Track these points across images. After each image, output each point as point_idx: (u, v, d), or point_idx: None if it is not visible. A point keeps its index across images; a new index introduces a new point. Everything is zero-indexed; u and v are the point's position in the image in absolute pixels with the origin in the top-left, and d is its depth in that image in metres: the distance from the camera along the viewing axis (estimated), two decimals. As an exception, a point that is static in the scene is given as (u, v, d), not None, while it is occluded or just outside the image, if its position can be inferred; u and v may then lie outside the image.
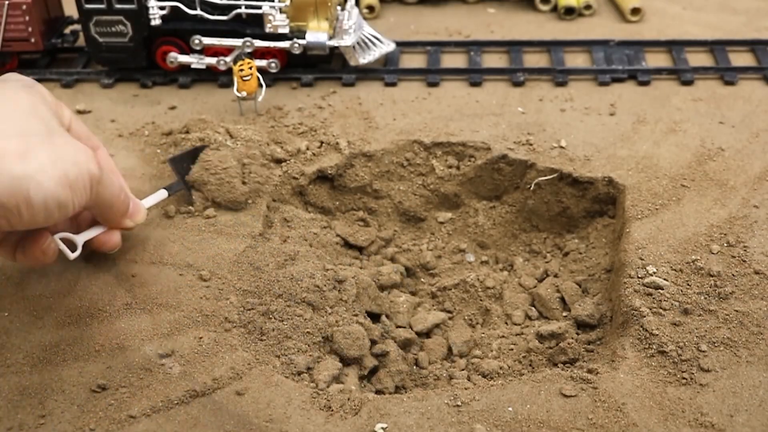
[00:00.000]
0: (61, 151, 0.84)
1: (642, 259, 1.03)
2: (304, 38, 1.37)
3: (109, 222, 0.98)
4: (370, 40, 1.43)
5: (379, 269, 1.15)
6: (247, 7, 1.35)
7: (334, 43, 1.38)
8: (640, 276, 1.01)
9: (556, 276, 1.17)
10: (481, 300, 1.16)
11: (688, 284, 1.00)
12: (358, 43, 1.41)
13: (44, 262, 0.94)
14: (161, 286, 1.02)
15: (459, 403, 0.88)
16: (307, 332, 0.97)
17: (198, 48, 1.37)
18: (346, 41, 1.38)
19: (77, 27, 1.50)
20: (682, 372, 0.90)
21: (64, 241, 0.95)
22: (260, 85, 1.31)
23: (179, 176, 1.14)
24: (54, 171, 0.82)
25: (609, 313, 1.04)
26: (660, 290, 0.99)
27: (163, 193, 1.10)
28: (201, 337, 0.95)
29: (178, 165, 1.14)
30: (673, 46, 1.48)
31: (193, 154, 1.15)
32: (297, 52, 1.37)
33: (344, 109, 1.34)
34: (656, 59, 1.46)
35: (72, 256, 0.95)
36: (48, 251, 0.93)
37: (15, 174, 0.80)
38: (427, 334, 1.11)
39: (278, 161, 1.20)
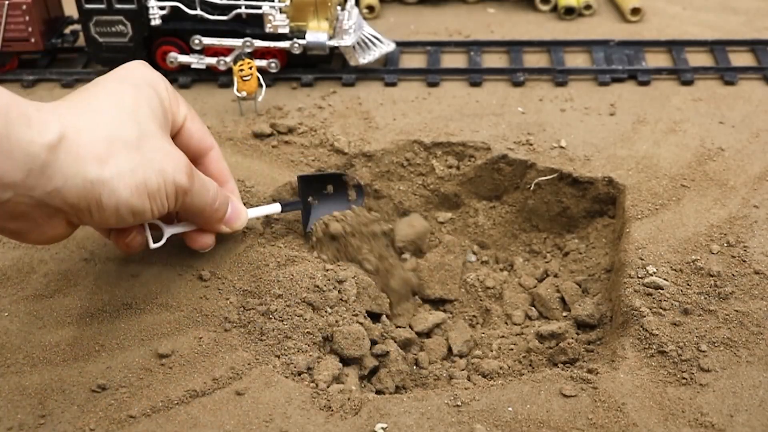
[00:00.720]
0: (147, 159, 0.83)
1: (642, 259, 1.03)
2: (304, 38, 1.37)
3: (201, 225, 0.98)
4: (370, 40, 1.43)
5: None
6: (247, 7, 1.35)
7: (334, 43, 1.38)
8: (640, 276, 1.01)
9: (556, 276, 1.17)
10: (481, 300, 1.16)
11: (688, 284, 1.00)
12: (358, 43, 1.41)
13: (129, 252, 0.96)
14: (161, 286, 1.02)
15: (459, 403, 0.88)
16: (307, 332, 0.97)
17: (198, 48, 1.37)
18: (346, 41, 1.38)
19: (77, 27, 1.50)
20: (682, 372, 0.90)
21: (153, 227, 0.95)
22: (260, 85, 1.31)
23: (301, 196, 1.09)
24: (131, 180, 0.81)
25: (609, 313, 1.04)
26: (660, 290, 0.99)
27: (275, 207, 1.06)
28: (201, 337, 0.95)
29: (304, 184, 1.10)
30: (673, 46, 1.48)
31: (325, 178, 1.12)
32: (297, 52, 1.37)
33: (344, 109, 1.34)
34: (656, 59, 1.46)
35: (153, 245, 0.94)
36: (132, 244, 0.93)
37: (89, 178, 0.79)
38: (427, 334, 1.11)
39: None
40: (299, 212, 1.11)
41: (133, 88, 0.87)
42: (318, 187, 1.11)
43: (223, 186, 1.00)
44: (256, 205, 1.08)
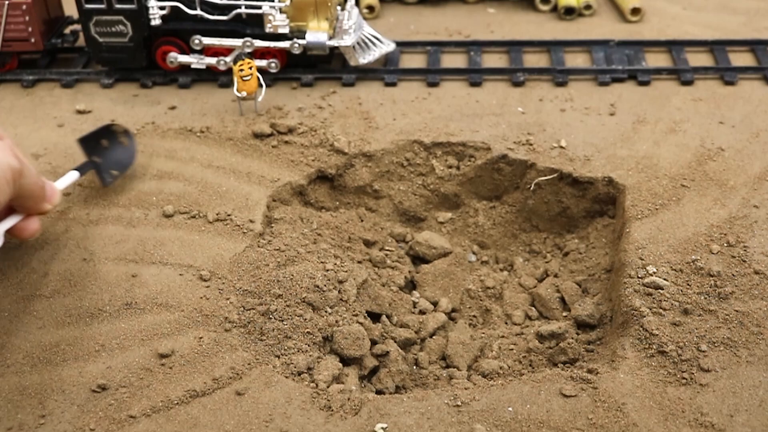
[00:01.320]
0: None
1: (642, 259, 1.03)
2: (304, 38, 1.37)
3: (28, 209, 0.99)
4: (370, 40, 1.43)
5: (390, 273, 1.16)
6: (247, 7, 1.35)
7: (334, 43, 1.38)
8: (640, 276, 1.01)
9: (556, 276, 1.17)
10: (481, 300, 1.16)
11: (688, 284, 1.00)
12: (358, 43, 1.41)
13: None
14: (161, 286, 1.02)
15: (459, 403, 0.88)
16: (307, 332, 0.97)
17: (198, 48, 1.37)
18: (346, 41, 1.38)
19: (77, 27, 1.50)
20: (682, 372, 0.90)
21: None
22: (260, 85, 1.31)
23: (88, 156, 1.15)
24: None
25: (609, 313, 1.04)
26: (660, 290, 0.99)
27: (74, 174, 1.12)
28: (201, 337, 0.95)
29: (86, 145, 1.16)
30: (673, 46, 1.48)
31: (100, 133, 1.18)
32: (297, 52, 1.37)
33: (344, 109, 1.34)
34: (656, 59, 1.46)
35: None
36: None
37: None
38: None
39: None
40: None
41: None
42: (95, 145, 1.17)
43: None
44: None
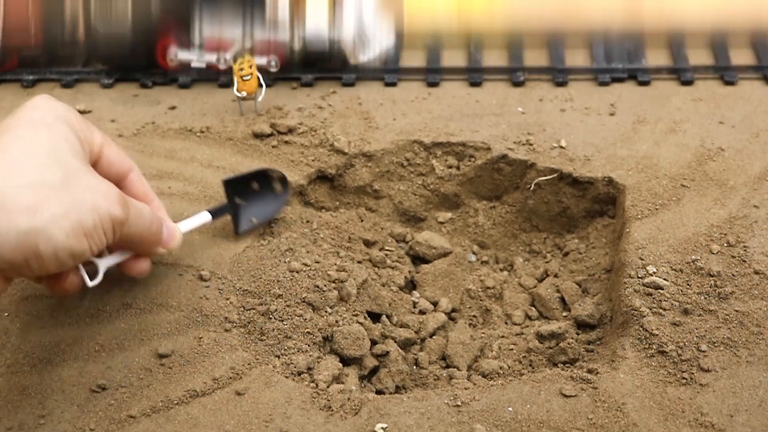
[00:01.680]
0: (78, 199, 0.79)
1: (642, 259, 1.03)
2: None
3: (139, 252, 0.93)
4: (370, 37, 1.43)
5: (390, 273, 1.16)
6: (247, 6, 1.35)
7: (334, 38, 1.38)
8: (640, 276, 1.01)
9: (556, 276, 1.17)
10: (481, 300, 1.16)
11: (688, 284, 1.00)
12: (358, 39, 1.41)
13: (67, 296, 0.90)
14: (161, 286, 1.02)
15: (459, 403, 0.88)
16: (307, 332, 0.97)
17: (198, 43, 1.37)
18: (346, 39, 1.38)
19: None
20: (682, 372, 0.90)
21: (86, 264, 0.89)
22: (260, 85, 1.31)
23: (229, 200, 1.05)
24: (66, 222, 0.77)
25: (609, 313, 1.04)
26: (660, 290, 0.99)
27: (205, 216, 1.01)
28: (201, 337, 0.95)
29: (231, 188, 1.06)
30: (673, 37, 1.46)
31: (251, 178, 1.08)
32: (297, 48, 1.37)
33: (344, 109, 1.34)
34: (656, 57, 1.45)
35: (90, 283, 0.87)
36: (70, 287, 0.88)
37: (22, 229, 0.75)
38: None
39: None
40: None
41: (46, 128, 0.82)
42: (243, 187, 1.07)
43: (150, 206, 0.95)
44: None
